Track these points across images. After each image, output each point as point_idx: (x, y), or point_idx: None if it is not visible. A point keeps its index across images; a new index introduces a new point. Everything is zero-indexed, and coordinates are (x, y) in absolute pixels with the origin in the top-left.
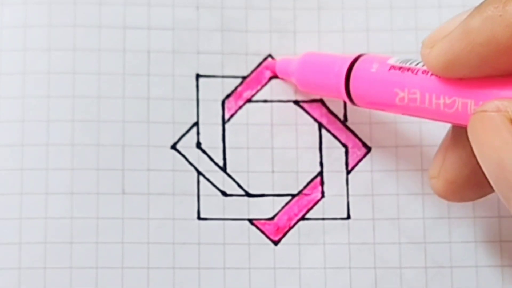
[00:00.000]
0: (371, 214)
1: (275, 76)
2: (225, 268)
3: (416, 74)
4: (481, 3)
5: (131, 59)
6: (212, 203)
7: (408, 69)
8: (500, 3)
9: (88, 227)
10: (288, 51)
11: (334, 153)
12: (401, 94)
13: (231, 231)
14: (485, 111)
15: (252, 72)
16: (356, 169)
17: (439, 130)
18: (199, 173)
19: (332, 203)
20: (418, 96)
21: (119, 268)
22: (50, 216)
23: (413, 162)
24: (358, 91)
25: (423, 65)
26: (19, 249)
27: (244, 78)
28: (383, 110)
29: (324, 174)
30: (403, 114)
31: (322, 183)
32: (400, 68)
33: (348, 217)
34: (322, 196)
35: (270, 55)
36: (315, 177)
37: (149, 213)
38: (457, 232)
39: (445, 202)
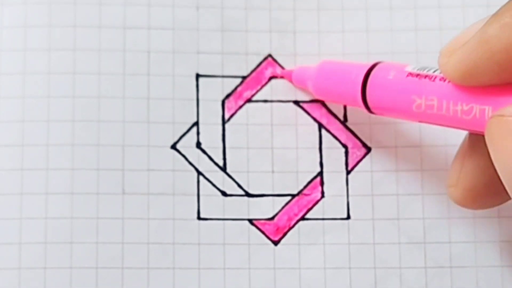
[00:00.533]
0: (371, 214)
1: (275, 76)
2: (225, 268)
3: (433, 81)
4: (498, 10)
5: (131, 59)
6: (212, 203)
7: (426, 76)
8: None
9: (88, 227)
10: (288, 51)
11: (334, 153)
12: (418, 101)
13: (231, 231)
14: (502, 115)
15: (252, 72)
16: (356, 169)
17: (439, 131)
18: (199, 173)
19: (332, 203)
20: (435, 103)
21: (119, 268)
22: (50, 216)
23: (413, 162)
24: (375, 98)
25: (440, 72)
26: (19, 249)
27: (244, 78)
28: (399, 117)
29: (324, 174)
30: (420, 121)
31: (322, 183)
32: (417, 75)
33: (348, 217)
34: (322, 196)
35: (270, 55)
36: (315, 177)
37: (149, 213)
38: (457, 232)
39: (445, 202)
